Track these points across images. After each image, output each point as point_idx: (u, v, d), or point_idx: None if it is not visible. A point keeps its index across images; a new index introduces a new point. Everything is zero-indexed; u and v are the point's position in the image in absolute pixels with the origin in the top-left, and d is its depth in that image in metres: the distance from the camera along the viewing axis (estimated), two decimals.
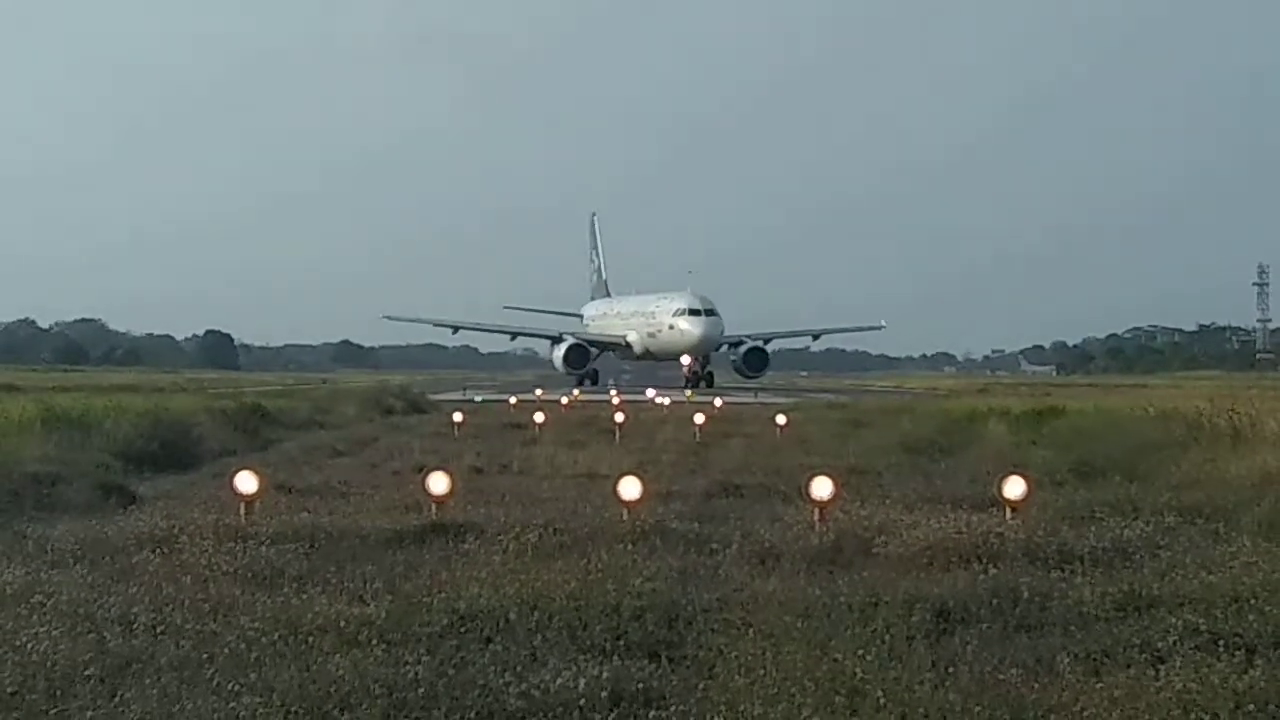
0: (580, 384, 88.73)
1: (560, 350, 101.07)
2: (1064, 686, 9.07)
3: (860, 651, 9.54)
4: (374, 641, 10.17)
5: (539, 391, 58.05)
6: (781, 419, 36.34)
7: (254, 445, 30.73)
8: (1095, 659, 9.91)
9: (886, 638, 10.14)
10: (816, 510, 15.61)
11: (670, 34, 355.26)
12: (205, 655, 9.80)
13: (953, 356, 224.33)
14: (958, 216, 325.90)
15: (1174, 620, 10.76)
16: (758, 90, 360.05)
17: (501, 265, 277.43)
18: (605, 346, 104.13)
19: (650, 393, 59.28)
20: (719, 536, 15.28)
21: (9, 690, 8.88)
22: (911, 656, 9.68)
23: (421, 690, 8.97)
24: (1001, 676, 9.26)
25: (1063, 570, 13.00)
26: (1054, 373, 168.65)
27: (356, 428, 38.57)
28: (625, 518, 15.88)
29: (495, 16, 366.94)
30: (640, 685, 9.27)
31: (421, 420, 43.68)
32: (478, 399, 57.86)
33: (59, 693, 8.89)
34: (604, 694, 9.01)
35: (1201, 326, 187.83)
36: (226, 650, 9.89)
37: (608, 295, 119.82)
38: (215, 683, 9.11)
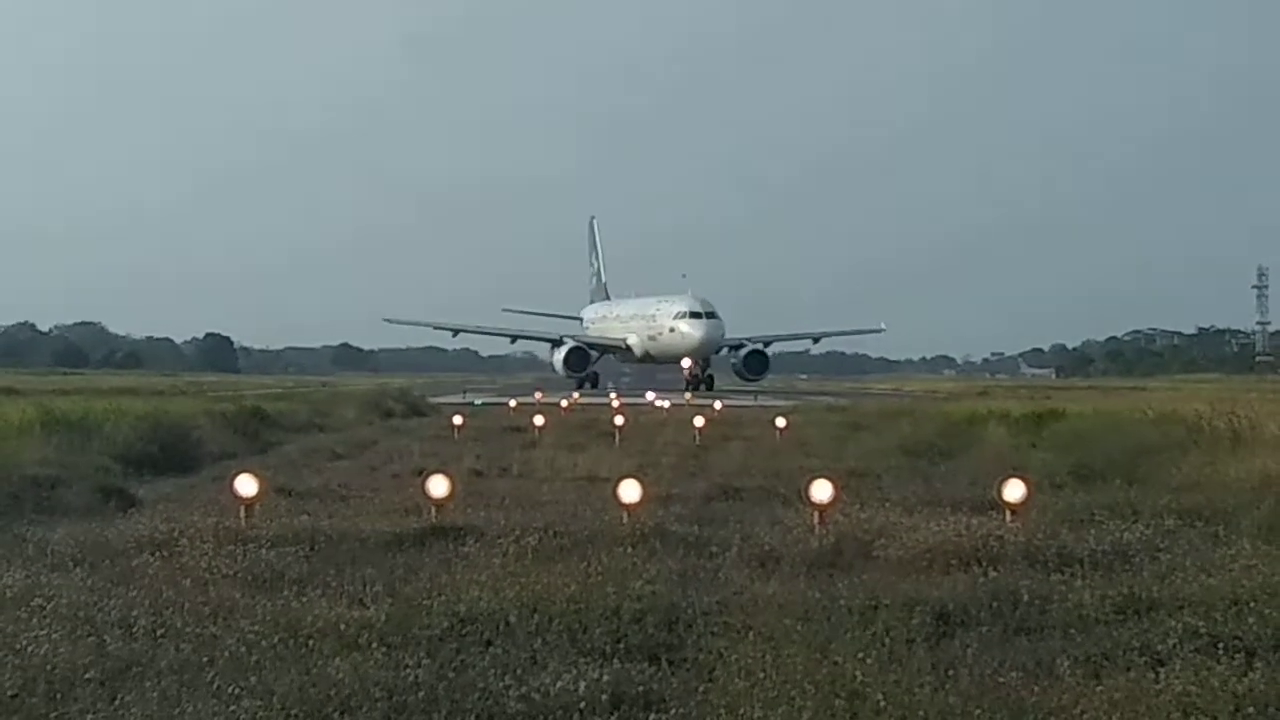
0: (580, 387, 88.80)
1: (560, 353, 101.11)
2: (1064, 689, 9.07)
3: (860, 654, 9.54)
4: (374, 644, 10.17)
5: (538, 394, 58.05)
6: (781, 422, 36.37)
7: (254, 448, 30.75)
8: (1095, 662, 9.91)
9: (886, 640, 10.15)
10: (816, 513, 15.62)
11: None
12: (205, 658, 9.81)
13: (952, 359, 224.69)
14: (959, 214, 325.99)
15: (1174, 623, 10.77)
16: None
17: (502, 265, 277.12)
18: (605, 349, 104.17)
19: (650, 395, 59.30)
20: (719, 539, 15.28)
21: (9, 693, 8.89)
22: (911, 659, 9.68)
23: (421, 693, 8.98)
24: (1001, 679, 9.26)
25: (1062, 573, 13.00)
26: (1053, 375, 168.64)
27: (356, 431, 38.59)
28: (625, 521, 15.88)
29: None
30: (640, 688, 9.28)
31: (421, 423, 43.70)
32: (477, 402, 57.92)
33: (59, 696, 8.89)
34: (604, 697, 9.02)
35: (1201, 329, 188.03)
36: (226, 653, 9.90)
37: (607, 298, 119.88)
38: (215, 686, 9.12)
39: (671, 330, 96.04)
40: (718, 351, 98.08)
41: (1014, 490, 16.17)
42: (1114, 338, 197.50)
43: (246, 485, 16.22)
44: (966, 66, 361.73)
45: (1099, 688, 9.01)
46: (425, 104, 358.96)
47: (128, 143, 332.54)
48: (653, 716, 8.86)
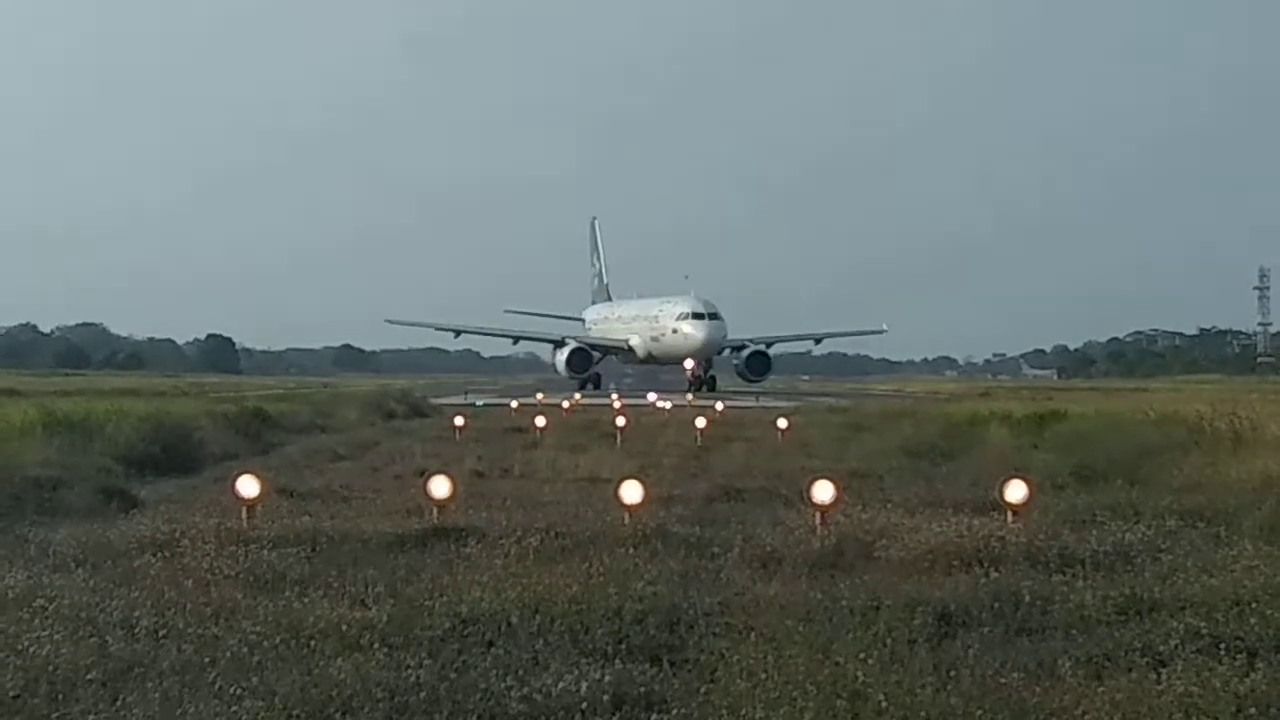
0: (583, 388, 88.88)
1: (563, 354, 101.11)
2: (1066, 690, 9.07)
3: (862, 655, 9.55)
4: (376, 645, 10.17)
5: (540, 395, 58.06)
6: (783, 423, 36.36)
7: (255, 449, 30.76)
8: (1097, 662, 9.91)
9: (888, 641, 10.15)
10: (818, 514, 15.62)
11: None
12: (207, 659, 9.81)
13: (954, 360, 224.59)
14: (958, 215, 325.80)
15: (1175, 624, 10.77)
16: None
17: (502, 265, 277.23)
18: (608, 350, 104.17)
19: (651, 396, 59.31)
20: (720, 540, 15.28)
21: (11, 694, 8.90)
22: (913, 660, 9.68)
23: (423, 694, 8.98)
24: (1003, 680, 9.26)
25: (1064, 574, 13.00)
26: (1055, 376, 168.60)
27: (358, 431, 38.59)
28: (627, 521, 15.88)
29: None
30: (642, 689, 9.28)
31: (423, 424, 43.70)
32: (479, 403, 57.93)
33: (61, 696, 8.90)
34: (606, 698, 9.02)
35: (1202, 330, 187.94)
36: (228, 654, 9.90)
37: (609, 299, 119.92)
38: (217, 686, 9.12)
39: (674, 331, 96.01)
40: (720, 352, 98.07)
41: (1016, 491, 16.17)
42: (1115, 338, 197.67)
43: (248, 486, 16.22)
44: (966, 66, 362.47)
45: (1101, 688, 9.01)
46: (425, 104, 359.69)
47: (128, 143, 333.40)
48: (654, 717, 8.86)
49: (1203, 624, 10.63)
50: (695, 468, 26.49)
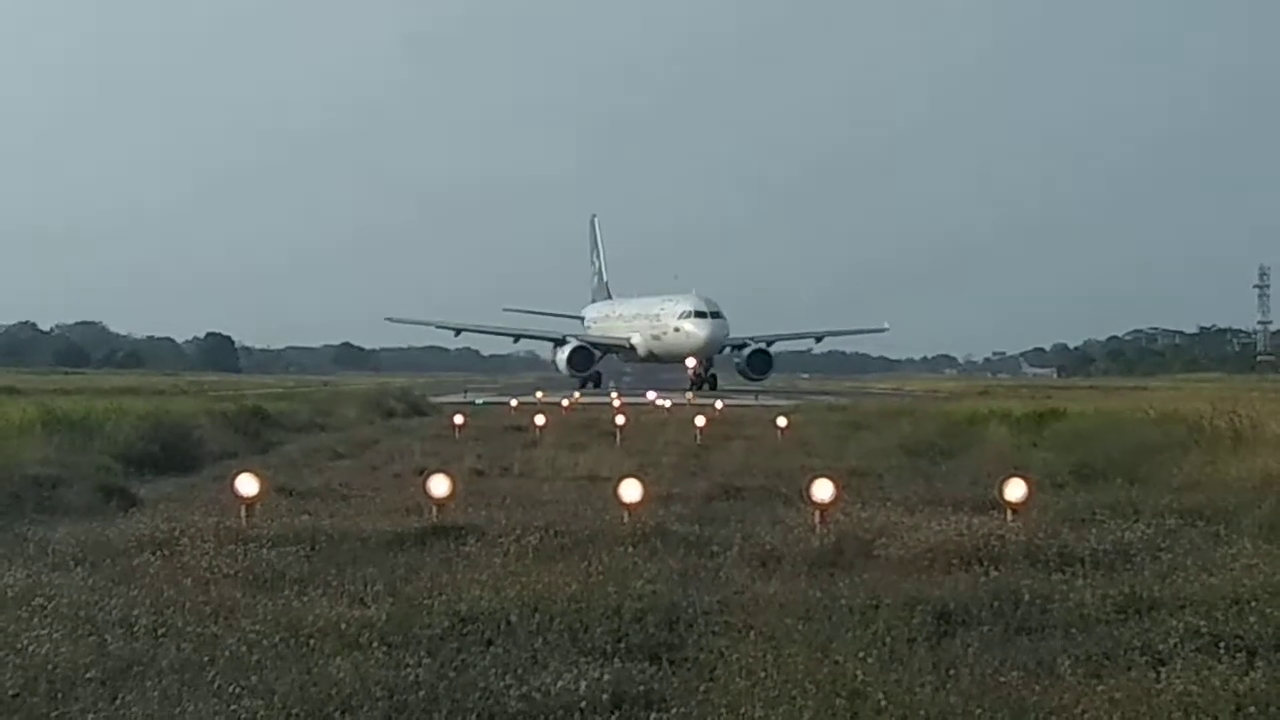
0: (583, 386, 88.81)
1: (564, 352, 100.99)
2: (1065, 689, 9.07)
3: (861, 654, 9.55)
4: (375, 644, 10.17)
5: (540, 394, 58.05)
6: (782, 421, 36.37)
7: (255, 448, 30.75)
8: (1096, 661, 9.91)
9: (887, 640, 10.15)
10: (817, 512, 15.62)
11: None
12: (206, 658, 9.81)
13: (953, 359, 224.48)
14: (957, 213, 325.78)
15: (1175, 622, 10.78)
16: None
17: (502, 265, 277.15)
18: (608, 349, 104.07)
19: (651, 395, 59.33)
20: (720, 539, 15.28)
21: (10, 693, 8.89)
22: (912, 659, 9.69)
23: (422, 693, 8.98)
24: (1002, 679, 9.26)
25: (1064, 572, 13.00)
26: (1055, 375, 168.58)
27: (357, 430, 38.59)
28: (626, 520, 15.88)
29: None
30: (641, 688, 9.29)
31: (422, 423, 43.70)
32: (479, 401, 57.94)
33: (60, 695, 8.90)
34: (605, 696, 9.02)
35: (1202, 329, 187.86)
36: (227, 653, 9.90)
37: (609, 297, 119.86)
38: (216, 685, 9.12)
39: (676, 330, 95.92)
40: (721, 351, 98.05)
41: (1015, 490, 16.17)
42: (1115, 337, 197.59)
43: (247, 485, 16.22)
44: (966, 66, 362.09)
45: (1100, 687, 9.01)
46: (425, 104, 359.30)
47: (128, 143, 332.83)
48: (654, 716, 8.86)
49: (1202, 622, 10.63)
50: (695, 466, 26.50)
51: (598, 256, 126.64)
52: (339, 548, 14.82)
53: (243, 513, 15.97)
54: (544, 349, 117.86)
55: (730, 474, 23.74)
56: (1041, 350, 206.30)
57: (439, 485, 16.79)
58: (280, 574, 13.08)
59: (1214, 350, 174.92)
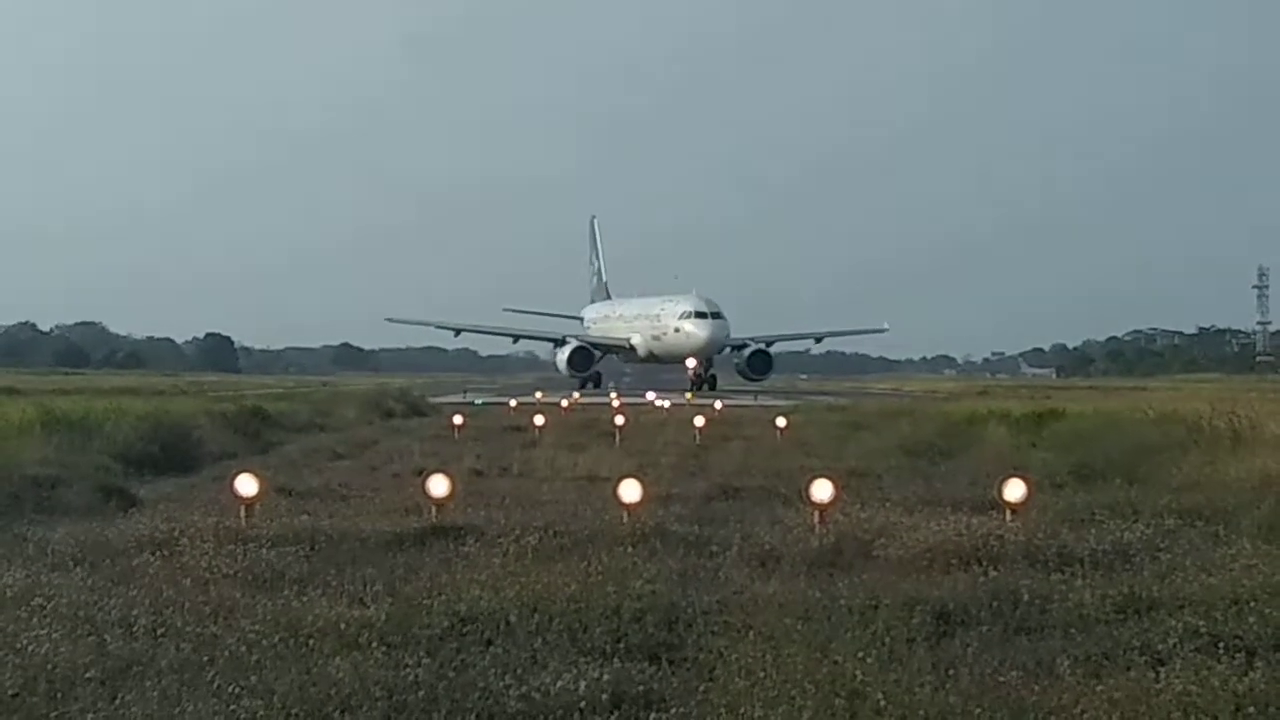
0: (583, 387, 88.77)
1: (564, 353, 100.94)
2: (1064, 689, 9.07)
3: (860, 654, 9.55)
4: (374, 644, 10.17)
5: (539, 394, 58.05)
6: (781, 421, 36.38)
7: (254, 448, 30.76)
8: (1095, 661, 9.92)
9: (887, 640, 10.15)
10: (816, 513, 15.62)
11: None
12: (206, 658, 9.81)
13: (952, 359, 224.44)
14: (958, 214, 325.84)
15: (1174, 623, 10.78)
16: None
17: (502, 265, 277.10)
18: (608, 349, 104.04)
19: (650, 395, 59.33)
20: (719, 539, 15.29)
21: (10, 692, 8.90)
22: (912, 659, 9.69)
23: (422, 693, 8.99)
24: (1002, 679, 9.27)
25: (1063, 573, 13.01)
26: (1054, 375, 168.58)
27: (356, 430, 38.60)
28: (625, 520, 15.89)
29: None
30: (641, 688, 9.29)
31: (421, 423, 43.71)
32: (478, 402, 57.95)
33: (60, 695, 8.90)
34: (604, 696, 9.03)
35: (1201, 329, 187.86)
36: (227, 653, 9.91)
37: (608, 297, 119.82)
38: (216, 685, 9.12)
39: (677, 330, 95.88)
40: (721, 351, 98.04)
41: (1014, 490, 16.18)
42: (1114, 337, 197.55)
43: (247, 485, 16.23)
44: (966, 66, 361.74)
45: (1099, 687, 9.01)
46: (425, 104, 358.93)
47: (128, 143, 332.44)
48: (653, 716, 8.86)
49: (1201, 623, 10.64)
50: (694, 466, 26.51)
51: (597, 257, 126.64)
52: (338, 548, 14.82)
53: (242, 513, 15.97)
54: (543, 349, 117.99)
55: (729, 474, 23.74)
56: (1041, 350, 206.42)
57: (438, 485, 16.80)
58: (280, 574, 13.08)
59: (1213, 351, 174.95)
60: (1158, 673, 9.27)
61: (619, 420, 36.75)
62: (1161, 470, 22.20)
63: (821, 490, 15.66)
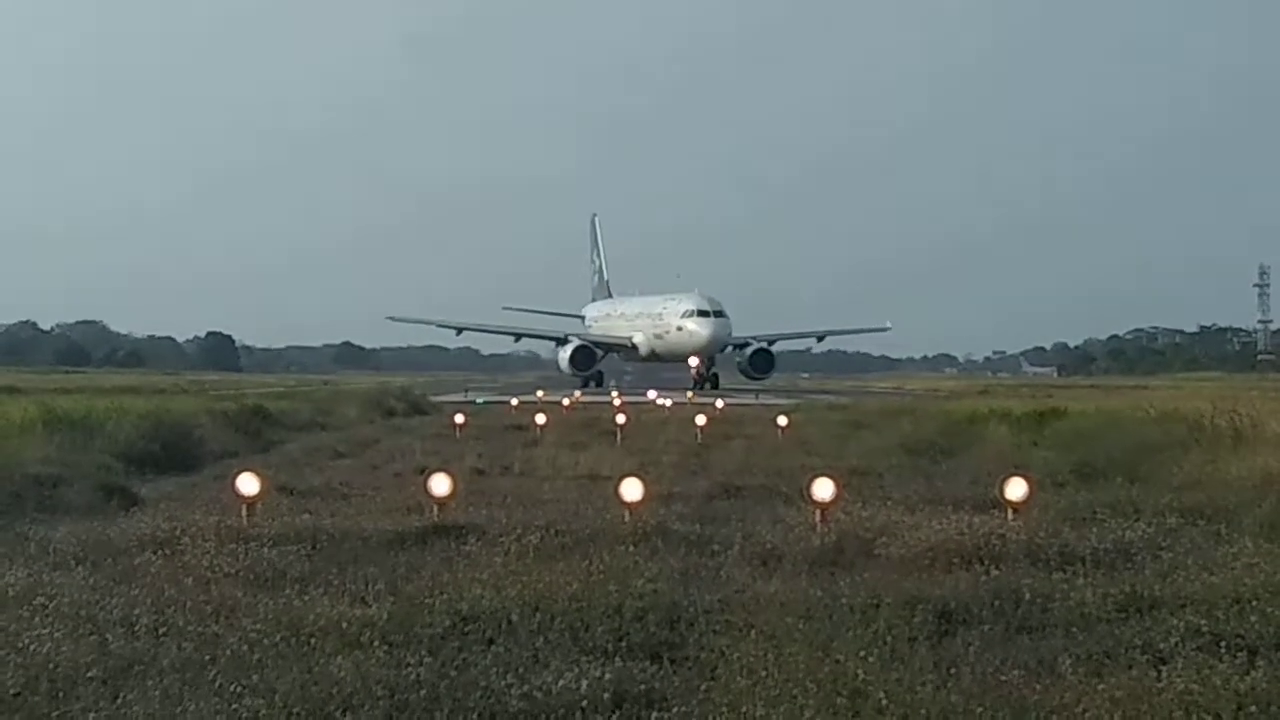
0: (585, 385, 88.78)
1: (566, 351, 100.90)
2: (1066, 688, 9.07)
3: (862, 653, 9.56)
4: (376, 643, 10.18)
5: (540, 393, 58.06)
6: (783, 420, 36.39)
7: (255, 447, 30.77)
8: (1097, 660, 9.92)
9: (888, 639, 10.15)
10: (818, 511, 15.62)
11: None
12: (207, 657, 9.82)
13: (954, 358, 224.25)
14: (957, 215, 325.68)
15: (1176, 621, 10.79)
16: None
17: (502, 265, 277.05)
18: (610, 348, 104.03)
19: (651, 394, 59.34)
20: (720, 538, 15.29)
21: (12, 691, 8.90)
22: (913, 658, 9.69)
23: (423, 691, 8.99)
24: (1003, 678, 9.27)
25: (1064, 571, 13.01)
26: (1055, 374, 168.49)
27: (358, 429, 38.61)
28: (627, 519, 15.89)
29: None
30: (642, 686, 9.29)
31: (423, 422, 43.71)
32: (479, 400, 57.96)
33: (61, 694, 8.91)
34: (606, 695, 9.03)
35: (1202, 328, 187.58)
36: (228, 652, 9.91)
37: (609, 296, 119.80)
38: (217, 684, 9.13)
39: (679, 329, 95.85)
40: (723, 350, 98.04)
41: (1016, 488, 16.17)
42: (1116, 336, 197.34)
43: (248, 484, 16.23)
44: (966, 66, 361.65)
45: (1101, 686, 9.01)
46: (425, 104, 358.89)
47: (128, 143, 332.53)
48: (655, 715, 8.86)
49: (1203, 621, 10.64)
50: (695, 465, 26.51)
51: (598, 256, 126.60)
52: (340, 547, 14.82)
53: (244, 512, 15.97)
54: (545, 348, 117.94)
55: (731, 473, 23.75)
56: (1042, 349, 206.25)
57: (440, 484, 16.80)
58: (281, 573, 13.09)
59: (1214, 349, 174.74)
60: (1159, 671, 9.27)
61: (620, 419, 36.76)
62: (1163, 469, 22.21)
63: (823, 489, 15.66)
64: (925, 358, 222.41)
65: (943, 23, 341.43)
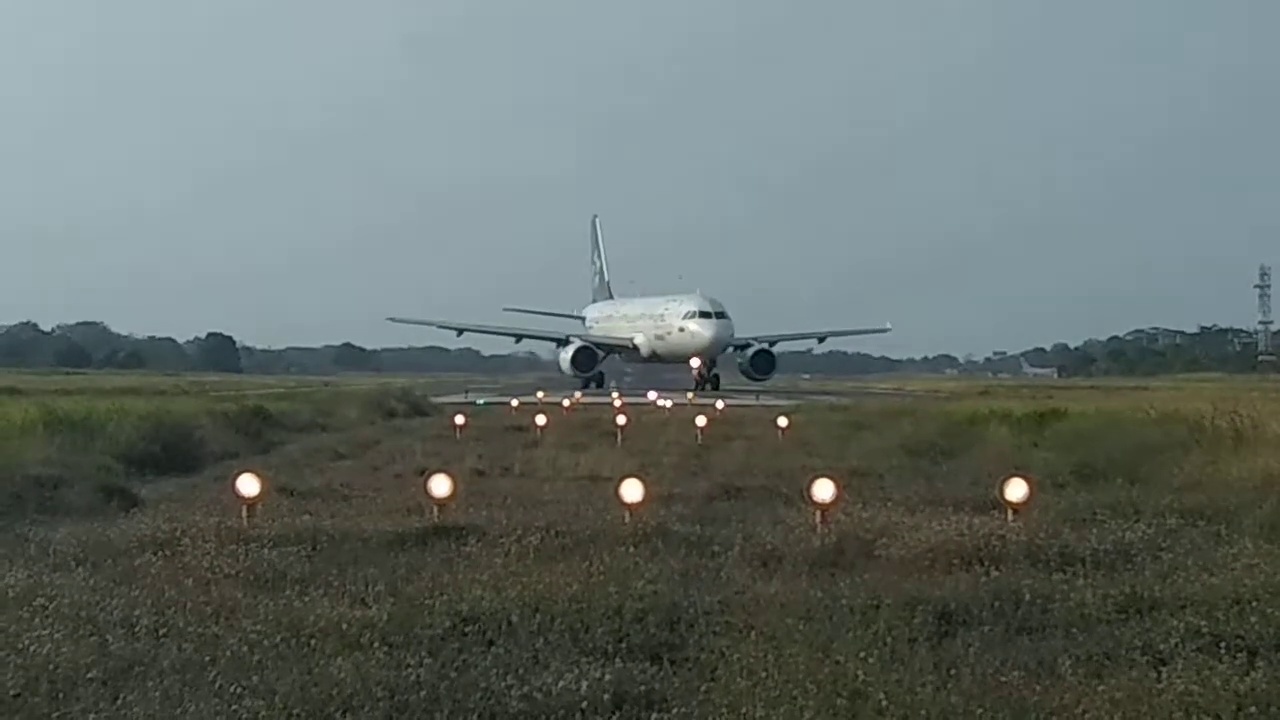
0: (586, 386, 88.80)
1: (568, 352, 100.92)
2: (1066, 689, 9.07)
3: (862, 654, 9.56)
4: (376, 644, 10.18)
5: (541, 394, 58.05)
6: (783, 421, 36.39)
7: (256, 448, 30.77)
8: (1097, 661, 9.92)
9: (888, 640, 10.15)
10: (818, 512, 15.62)
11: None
12: (207, 658, 9.82)
13: (954, 359, 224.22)
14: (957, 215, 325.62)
15: (1176, 622, 10.78)
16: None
17: (502, 265, 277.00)
18: (611, 349, 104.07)
19: (652, 395, 59.36)
20: (721, 539, 15.30)
21: (12, 693, 8.90)
22: (913, 659, 9.69)
23: (423, 693, 8.99)
24: (1003, 679, 9.27)
25: (1064, 572, 13.01)
26: (1055, 375, 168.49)
27: (358, 430, 38.61)
28: (627, 520, 15.89)
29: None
30: (642, 688, 9.29)
31: (423, 423, 43.72)
32: (480, 401, 57.95)
33: (61, 695, 8.90)
34: (606, 696, 9.03)
35: (1203, 329, 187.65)
36: (229, 653, 9.91)
37: (610, 297, 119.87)
38: (217, 685, 9.13)
39: (681, 330, 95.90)
40: (725, 351, 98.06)
41: (1016, 490, 16.17)
42: (1116, 337, 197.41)
43: (248, 485, 16.23)
44: (966, 66, 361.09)
45: (1101, 687, 9.01)
46: (425, 104, 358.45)
47: (128, 143, 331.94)
48: (655, 716, 8.87)
49: (1203, 622, 10.63)
50: (696, 466, 26.51)
51: (598, 256, 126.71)
52: (340, 548, 14.83)
53: (244, 513, 15.98)
54: (545, 349, 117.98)
55: (731, 474, 23.75)
56: (1042, 350, 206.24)
57: (440, 485, 16.80)
58: (281, 574, 13.09)
59: (1215, 350, 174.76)
60: (1159, 672, 9.27)
61: (621, 420, 36.77)
62: (1163, 470, 22.21)
63: (823, 490, 15.66)
64: (926, 359, 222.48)
65: (943, 23, 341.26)
